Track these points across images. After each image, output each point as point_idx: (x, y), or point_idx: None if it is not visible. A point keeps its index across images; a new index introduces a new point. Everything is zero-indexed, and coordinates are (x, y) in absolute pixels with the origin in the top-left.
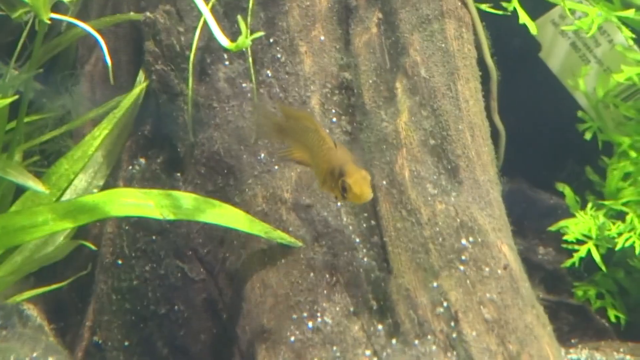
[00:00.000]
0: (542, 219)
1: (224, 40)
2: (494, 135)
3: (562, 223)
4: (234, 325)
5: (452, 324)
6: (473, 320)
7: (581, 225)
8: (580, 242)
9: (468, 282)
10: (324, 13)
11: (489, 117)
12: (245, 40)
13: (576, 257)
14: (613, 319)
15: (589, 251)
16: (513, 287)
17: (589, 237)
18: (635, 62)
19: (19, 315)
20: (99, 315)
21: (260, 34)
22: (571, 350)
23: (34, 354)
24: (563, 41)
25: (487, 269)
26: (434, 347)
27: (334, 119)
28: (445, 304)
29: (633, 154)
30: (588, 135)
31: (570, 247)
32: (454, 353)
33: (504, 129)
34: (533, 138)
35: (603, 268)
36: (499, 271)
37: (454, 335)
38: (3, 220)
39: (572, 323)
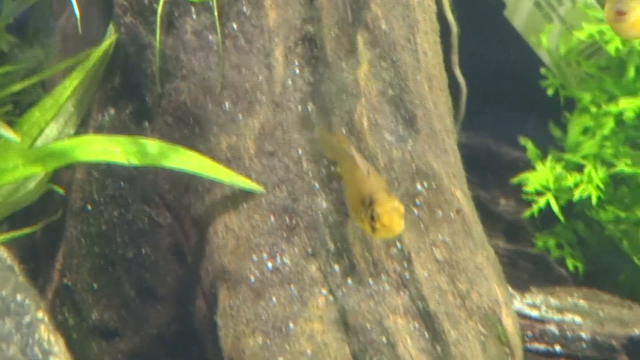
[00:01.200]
0: (505, 172)
1: None
2: (456, 88)
3: (523, 175)
4: (198, 268)
5: (405, 264)
6: (425, 260)
7: (540, 177)
8: (540, 194)
9: (421, 224)
10: None
11: (450, 70)
12: None
13: (535, 207)
14: (571, 268)
15: (548, 202)
16: (465, 230)
17: (548, 189)
18: (596, 20)
19: None
20: (69, 258)
21: None
22: (527, 295)
23: (3, 292)
24: (526, 0)
25: (440, 213)
26: (387, 286)
27: (297, 70)
28: (398, 245)
29: (593, 109)
30: (550, 92)
31: (530, 198)
32: (406, 291)
33: (466, 83)
34: (498, 94)
35: (561, 218)
36: (452, 215)
37: (407, 274)
38: None
39: (531, 272)
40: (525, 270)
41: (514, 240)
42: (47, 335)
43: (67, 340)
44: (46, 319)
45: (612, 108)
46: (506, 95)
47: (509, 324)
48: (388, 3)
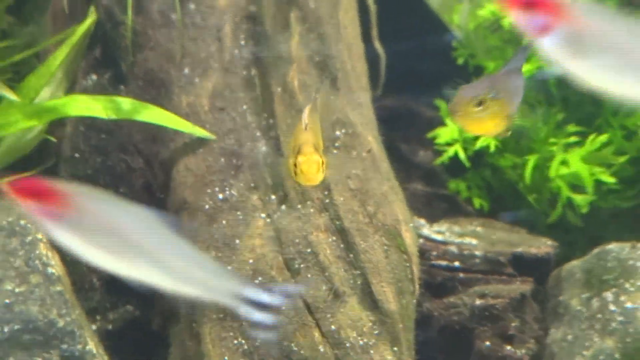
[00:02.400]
0: (423, 128)
1: None
2: (377, 57)
3: (436, 131)
4: (165, 202)
5: (326, 192)
6: (341, 189)
7: (449, 131)
8: (450, 145)
9: (339, 161)
10: None
11: (371, 42)
12: None
13: (445, 156)
14: (477, 206)
15: (457, 152)
16: (374, 166)
17: (457, 141)
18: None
19: None
20: None
21: None
22: (435, 225)
23: (9, 218)
24: None
25: (354, 152)
26: (312, 210)
27: (242, 42)
28: None
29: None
30: (460, 61)
31: (442, 149)
32: (327, 213)
33: (391, 55)
34: (418, 63)
35: (467, 164)
36: (364, 154)
37: (327, 200)
38: None
39: (444, 209)
40: (439, 208)
41: (430, 184)
42: (46, 251)
43: (61, 258)
44: (44, 239)
45: None
46: (425, 65)
47: (407, 237)
48: None
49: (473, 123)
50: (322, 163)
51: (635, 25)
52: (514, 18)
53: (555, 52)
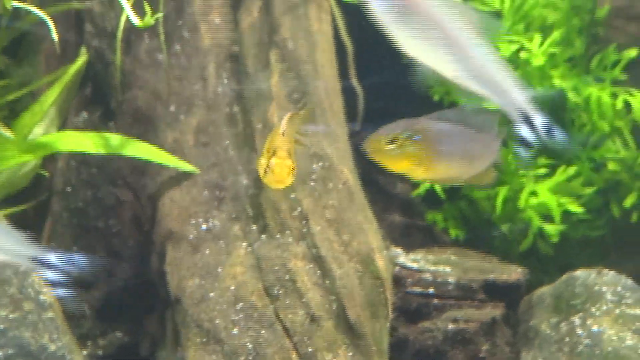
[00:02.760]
0: None
1: (135, 20)
2: (354, 94)
3: None
4: (152, 233)
5: (304, 222)
6: (318, 219)
7: None
8: None
9: (316, 193)
10: (219, 1)
11: (348, 80)
12: (149, 19)
13: (421, 188)
14: (453, 236)
15: (433, 185)
16: (349, 197)
17: None
18: None
19: None
20: (54, 227)
21: (161, 14)
22: (410, 254)
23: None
24: None
25: (330, 184)
26: (290, 239)
27: (226, 81)
28: (299, 208)
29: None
30: (436, 97)
31: (419, 181)
32: (304, 242)
33: (367, 91)
34: (394, 100)
35: (442, 196)
36: (340, 185)
37: (305, 230)
38: None
39: (421, 239)
40: (416, 238)
41: (408, 215)
42: (38, 280)
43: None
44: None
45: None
46: (401, 101)
47: (381, 264)
48: (294, 28)
49: (386, 160)
50: (293, 169)
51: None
52: None
53: (381, 14)
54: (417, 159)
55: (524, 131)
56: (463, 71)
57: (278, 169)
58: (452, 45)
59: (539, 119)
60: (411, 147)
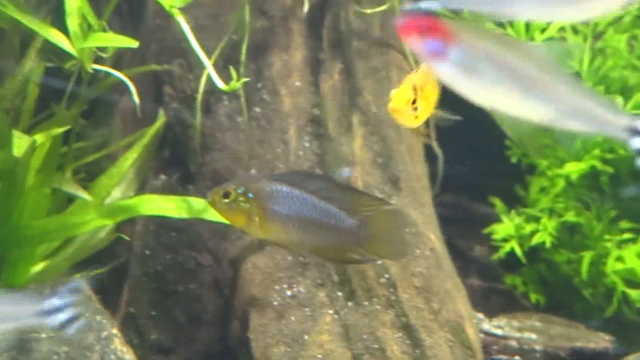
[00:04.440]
0: (478, 224)
1: (220, 84)
2: (435, 157)
3: (492, 227)
4: (233, 298)
5: (392, 290)
6: (407, 286)
7: (505, 227)
8: (506, 241)
9: (404, 260)
10: (299, 65)
11: (429, 143)
12: (235, 83)
13: (502, 251)
14: (534, 301)
15: (513, 248)
16: (437, 264)
17: (512, 237)
18: None
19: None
20: (133, 292)
21: (247, 79)
22: (494, 319)
23: (86, 314)
24: None
25: (418, 251)
26: (378, 307)
27: (307, 144)
28: (386, 276)
29: (548, 172)
30: (514, 159)
31: (498, 245)
32: (392, 310)
33: (447, 153)
34: (473, 161)
35: (524, 260)
36: (427, 252)
37: (393, 297)
38: (61, 219)
39: (501, 304)
40: (496, 302)
41: (487, 279)
42: (120, 346)
43: (135, 353)
44: (119, 334)
45: (562, 171)
46: (480, 163)
47: (471, 333)
48: (377, 91)
49: (222, 213)
50: (414, 103)
51: (517, 45)
52: (410, 45)
53: (449, 75)
54: (248, 215)
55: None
56: (558, 112)
57: (395, 96)
58: (539, 87)
59: None
60: (245, 204)
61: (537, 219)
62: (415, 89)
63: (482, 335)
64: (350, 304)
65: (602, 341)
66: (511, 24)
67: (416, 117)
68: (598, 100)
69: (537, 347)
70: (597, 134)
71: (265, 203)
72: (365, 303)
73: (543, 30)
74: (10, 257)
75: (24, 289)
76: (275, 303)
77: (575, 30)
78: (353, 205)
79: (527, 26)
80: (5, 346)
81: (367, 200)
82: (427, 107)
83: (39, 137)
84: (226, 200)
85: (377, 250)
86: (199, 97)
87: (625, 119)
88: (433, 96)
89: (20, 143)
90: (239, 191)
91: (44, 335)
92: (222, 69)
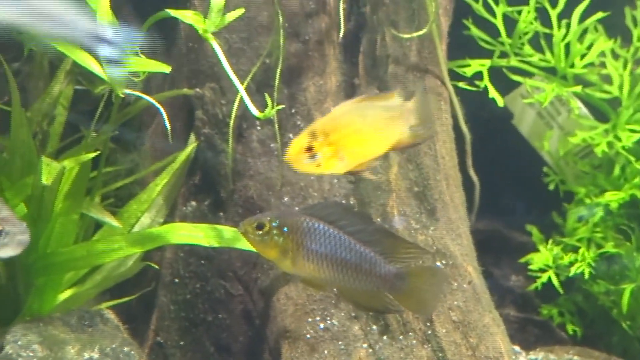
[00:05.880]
0: (514, 253)
1: (254, 111)
2: (471, 185)
3: (529, 256)
4: (264, 329)
5: (428, 324)
6: (444, 321)
7: (542, 257)
8: (543, 271)
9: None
10: (334, 90)
11: (466, 171)
12: (270, 111)
13: (539, 282)
14: (571, 332)
15: (550, 278)
16: (475, 297)
17: (550, 267)
18: (588, 127)
19: (101, 317)
20: (161, 321)
21: (282, 106)
22: (531, 353)
23: (114, 345)
24: (530, 110)
25: (455, 284)
26: (414, 341)
27: None
28: None
29: (587, 200)
30: (552, 186)
31: (535, 275)
32: (429, 345)
33: (482, 181)
34: (508, 189)
35: (561, 291)
36: (465, 285)
37: (429, 332)
38: (87, 247)
39: (537, 335)
40: (532, 334)
41: (523, 310)
42: None
43: None
44: None
45: (602, 200)
46: (516, 190)
47: None
48: None
49: (254, 244)
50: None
51: None
52: None
53: None
54: (282, 252)
55: (106, 51)
56: (26, 14)
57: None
58: None
59: (109, 31)
60: (280, 237)
61: (575, 249)
62: (314, 136)
63: None
64: (385, 337)
65: None
66: (550, 49)
67: (318, 166)
68: (71, 6)
69: None
70: (70, 40)
71: (300, 239)
72: (401, 337)
73: (583, 56)
74: (38, 284)
75: (50, 317)
76: (308, 336)
77: (615, 55)
78: (390, 251)
79: (567, 51)
80: None
81: (406, 247)
82: (338, 153)
83: (68, 163)
84: (259, 232)
85: (407, 303)
86: (232, 122)
87: (92, 25)
88: (346, 140)
89: (49, 170)
90: (274, 224)
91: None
92: (255, 93)
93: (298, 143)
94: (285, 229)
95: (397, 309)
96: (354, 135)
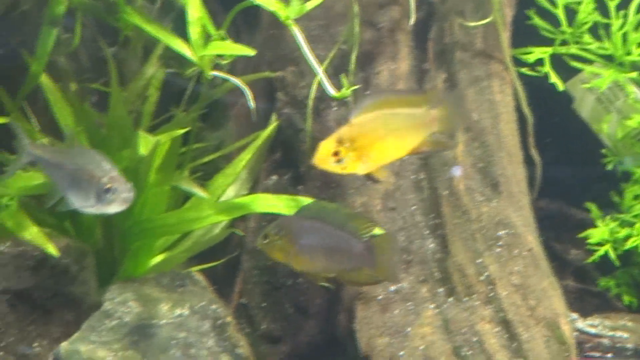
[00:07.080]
0: (574, 229)
1: (331, 91)
2: (533, 163)
3: (588, 231)
4: (339, 291)
5: (490, 287)
6: (505, 284)
7: (600, 232)
8: (601, 245)
9: (502, 259)
10: (405, 74)
11: (528, 150)
12: (345, 91)
13: (596, 255)
14: (627, 302)
15: (607, 252)
16: (534, 263)
17: (607, 241)
18: None
19: (190, 279)
20: (245, 284)
21: (356, 87)
22: (588, 319)
23: (202, 303)
24: (590, 95)
25: (516, 251)
26: (477, 302)
27: None
28: (486, 273)
29: None
30: (610, 167)
31: (594, 248)
32: (491, 306)
33: (546, 162)
34: (570, 169)
35: (616, 263)
36: (524, 252)
37: (491, 294)
38: (178, 214)
39: (595, 305)
40: (590, 303)
41: (581, 281)
42: (235, 333)
43: (247, 341)
44: (233, 322)
45: None
46: (577, 170)
47: (566, 329)
48: (479, 100)
49: (267, 252)
50: (337, 153)
51: None
52: None
53: None
54: (285, 252)
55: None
56: None
57: (319, 149)
58: None
59: None
60: (278, 242)
61: (631, 224)
62: (341, 142)
63: (575, 333)
64: (450, 299)
65: None
66: (608, 36)
67: (344, 168)
68: None
69: (629, 346)
70: None
71: (293, 237)
72: (465, 299)
73: (639, 44)
74: (133, 249)
75: (144, 278)
76: (380, 297)
77: None
78: (356, 230)
79: (624, 40)
80: (127, 330)
81: (363, 223)
82: (361, 157)
83: (162, 138)
84: (265, 242)
85: (380, 271)
86: (310, 102)
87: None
88: (369, 146)
89: (145, 142)
90: (273, 232)
91: (164, 321)
92: (332, 76)
93: (326, 148)
94: (281, 231)
95: (378, 280)
96: (377, 142)
